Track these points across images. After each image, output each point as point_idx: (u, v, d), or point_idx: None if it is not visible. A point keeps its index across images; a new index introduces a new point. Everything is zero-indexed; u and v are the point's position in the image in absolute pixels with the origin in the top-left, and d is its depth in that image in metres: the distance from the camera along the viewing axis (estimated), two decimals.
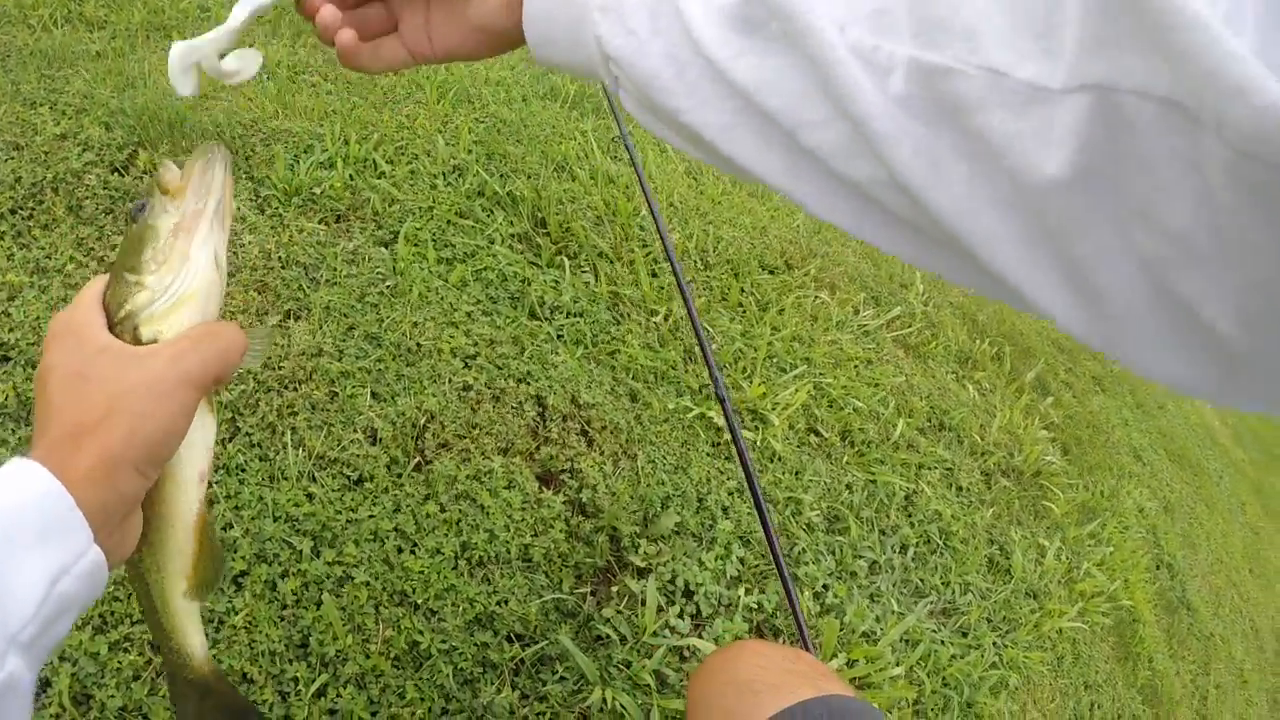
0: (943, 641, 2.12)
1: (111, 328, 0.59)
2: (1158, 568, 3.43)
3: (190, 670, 0.67)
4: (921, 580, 2.23)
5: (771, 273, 2.85)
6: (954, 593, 2.28)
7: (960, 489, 2.61)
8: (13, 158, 1.99)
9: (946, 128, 0.41)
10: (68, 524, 0.49)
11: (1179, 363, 0.40)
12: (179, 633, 0.66)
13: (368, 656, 1.41)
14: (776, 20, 0.46)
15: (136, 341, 0.58)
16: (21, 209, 1.86)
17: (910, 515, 2.36)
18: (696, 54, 0.50)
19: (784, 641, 1.82)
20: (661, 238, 1.47)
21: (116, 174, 2.02)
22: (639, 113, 0.58)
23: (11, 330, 1.60)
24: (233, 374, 0.61)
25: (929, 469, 2.56)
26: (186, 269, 0.61)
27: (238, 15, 0.65)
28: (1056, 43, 0.36)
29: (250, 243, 1.94)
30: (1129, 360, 0.42)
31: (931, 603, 2.19)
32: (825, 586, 1.98)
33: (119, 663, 1.26)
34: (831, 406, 2.48)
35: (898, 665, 1.94)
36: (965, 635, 2.21)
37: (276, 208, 2.10)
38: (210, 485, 0.79)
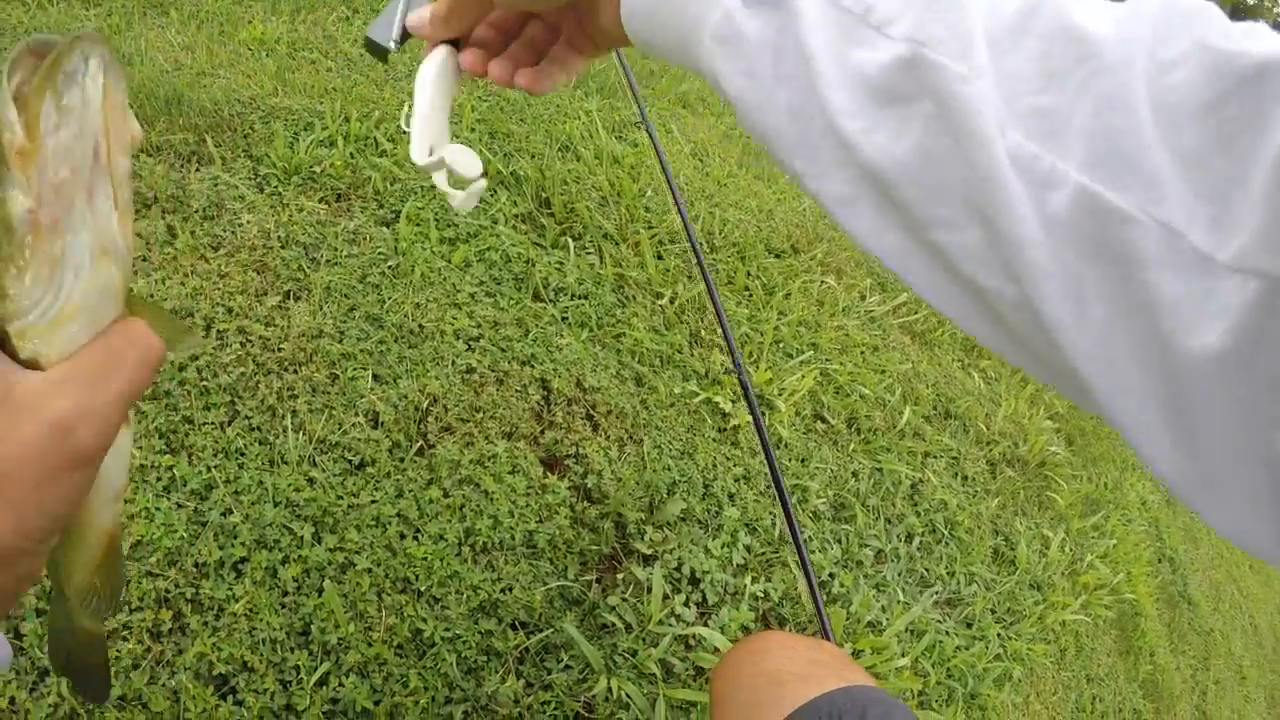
0: (948, 632, 2.09)
1: None
2: (1159, 561, 3.41)
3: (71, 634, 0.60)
4: (927, 570, 2.20)
5: (778, 256, 2.82)
6: (959, 583, 2.25)
7: (966, 478, 2.59)
8: None
9: (1106, 270, 0.37)
10: None
11: (1270, 541, 0.38)
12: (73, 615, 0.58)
13: (370, 645, 1.37)
14: (930, 99, 0.40)
15: (12, 353, 0.43)
16: None
17: (916, 504, 2.34)
18: (822, 115, 0.44)
19: (790, 630, 1.79)
20: (683, 219, 1.44)
21: None
22: (756, 140, 0.52)
23: None
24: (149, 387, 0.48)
25: (935, 457, 2.53)
26: (57, 278, 0.41)
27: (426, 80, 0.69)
28: (1230, 217, 0.34)
29: (249, 222, 1.90)
30: (1213, 524, 0.39)
31: (937, 593, 2.17)
32: (831, 575, 1.95)
33: (117, 651, 1.23)
34: (838, 393, 2.45)
35: (903, 656, 1.91)
36: (970, 626, 2.19)
37: (276, 186, 2.05)
38: (129, 500, 0.74)
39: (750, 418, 2.12)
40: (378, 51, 0.74)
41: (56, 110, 0.39)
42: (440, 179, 0.70)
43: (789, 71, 0.45)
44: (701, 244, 2.58)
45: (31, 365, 0.42)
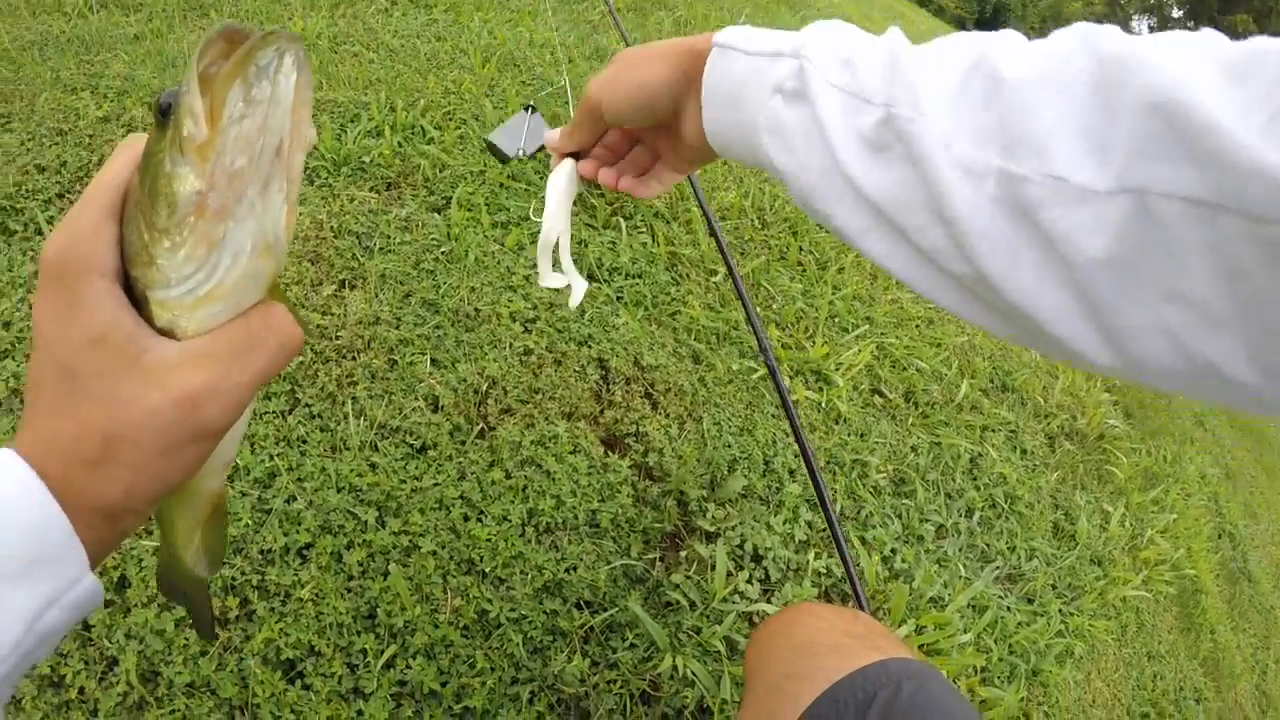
0: (1009, 608, 2.07)
1: (127, 275, 0.44)
2: (1219, 536, 3.35)
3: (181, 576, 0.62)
4: (987, 545, 2.18)
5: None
6: (1020, 558, 2.23)
7: (1024, 452, 2.55)
8: (57, 143, 1.97)
9: (1021, 224, 0.49)
10: (62, 551, 0.42)
11: (1228, 403, 0.49)
12: (183, 560, 0.60)
13: (436, 626, 1.38)
14: (900, 143, 0.54)
15: (149, 319, 0.43)
16: (69, 193, 1.84)
17: (975, 479, 2.31)
18: (837, 168, 0.58)
19: (852, 607, 1.78)
20: (701, 206, 1.42)
21: None
22: (804, 208, 0.65)
23: None
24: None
25: (993, 431, 2.50)
26: (213, 259, 0.41)
27: (554, 209, 0.86)
28: (1107, 156, 0.45)
29: (302, 214, 1.91)
30: (1184, 396, 0.53)
31: (998, 568, 2.14)
32: (893, 551, 1.93)
33: (186, 639, 1.25)
34: (894, 367, 2.42)
35: (965, 632, 1.89)
36: (1031, 602, 2.16)
37: (326, 178, 2.06)
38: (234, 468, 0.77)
39: (808, 394, 2.11)
40: (499, 155, 1.03)
41: (244, 101, 0.39)
42: (557, 280, 0.88)
43: (815, 145, 0.60)
44: (754, 219, 2.56)
45: (166, 333, 0.43)
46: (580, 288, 0.90)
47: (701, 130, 0.73)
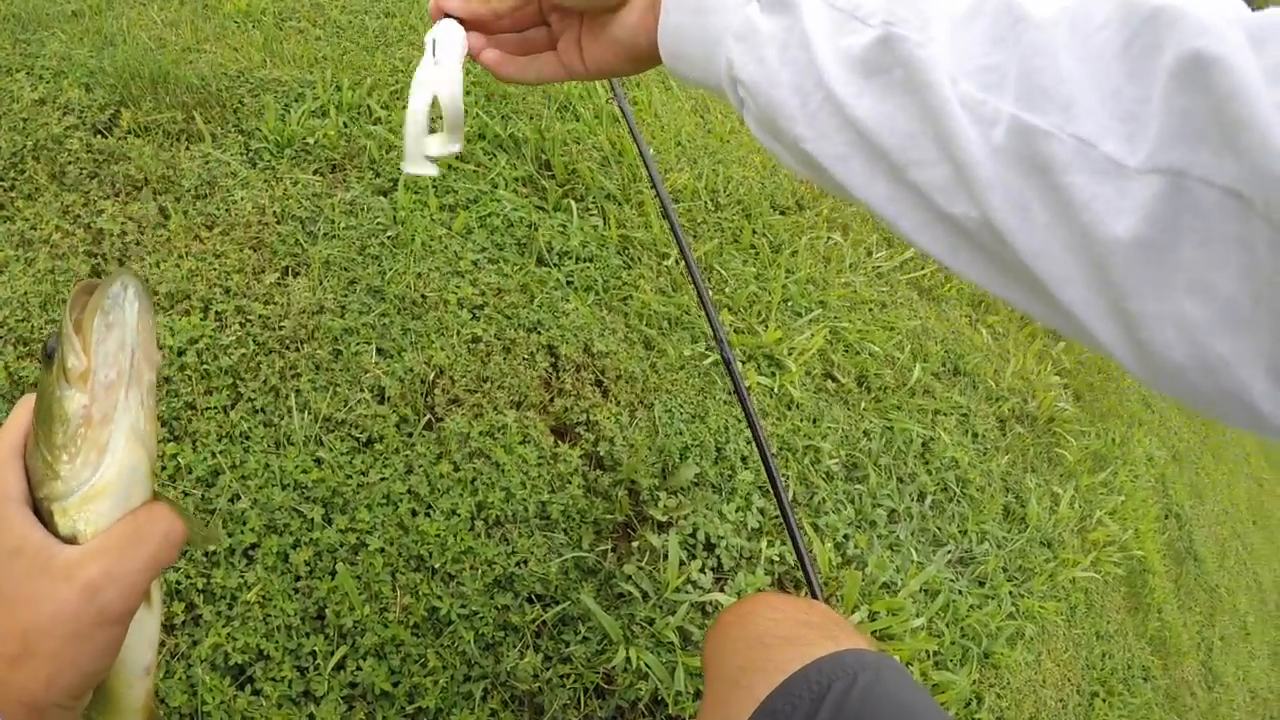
0: (960, 591, 2.08)
1: (34, 498, 0.53)
2: (1166, 517, 3.40)
3: None
4: (939, 529, 2.18)
5: (783, 213, 2.77)
6: (971, 541, 2.24)
7: (976, 435, 2.56)
8: None
9: (1036, 180, 0.46)
10: None
11: (1217, 411, 0.47)
12: None
13: (386, 626, 1.35)
14: (900, 68, 0.51)
15: (54, 531, 0.51)
16: (2, 180, 1.76)
17: (928, 463, 2.31)
18: (820, 87, 0.55)
19: (804, 594, 1.77)
20: (655, 188, 1.39)
21: (100, 135, 1.91)
22: (759, 132, 0.62)
23: None
24: (173, 563, 0.56)
25: (945, 415, 2.50)
26: (104, 460, 0.52)
27: (417, 99, 0.71)
28: (1140, 128, 0.42)
29: (243, 198, 1.85)
30: (1173, 396, 0.49)
31: (950, 552, 2.15)
32: (846, 537, 1.93)
33: None
34: (848, 351, 2.41)
35: (918, 616, 1.90)
36: (982, 585, 2.17)
37: (269, 160, 2.00)
38: (158, 672, 0.76)
39: (760, 379, 2.09)
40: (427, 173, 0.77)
41: (105, 326, 0.51)
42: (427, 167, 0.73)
43: (793, 57, 0.56)
44: (706, 201, 2.53)
45: (70, 541, 0.51)
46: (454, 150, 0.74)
47: (647, 29, 0.68)
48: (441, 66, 0.71)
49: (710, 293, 2.24)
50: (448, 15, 0.74)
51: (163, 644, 1.23)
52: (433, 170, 0.73)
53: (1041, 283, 0.48)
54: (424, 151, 0.72)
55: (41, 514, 0.52)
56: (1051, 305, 0.49)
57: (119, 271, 0.53)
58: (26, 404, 0.55)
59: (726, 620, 1.00)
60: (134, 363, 0.52)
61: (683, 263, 2.24)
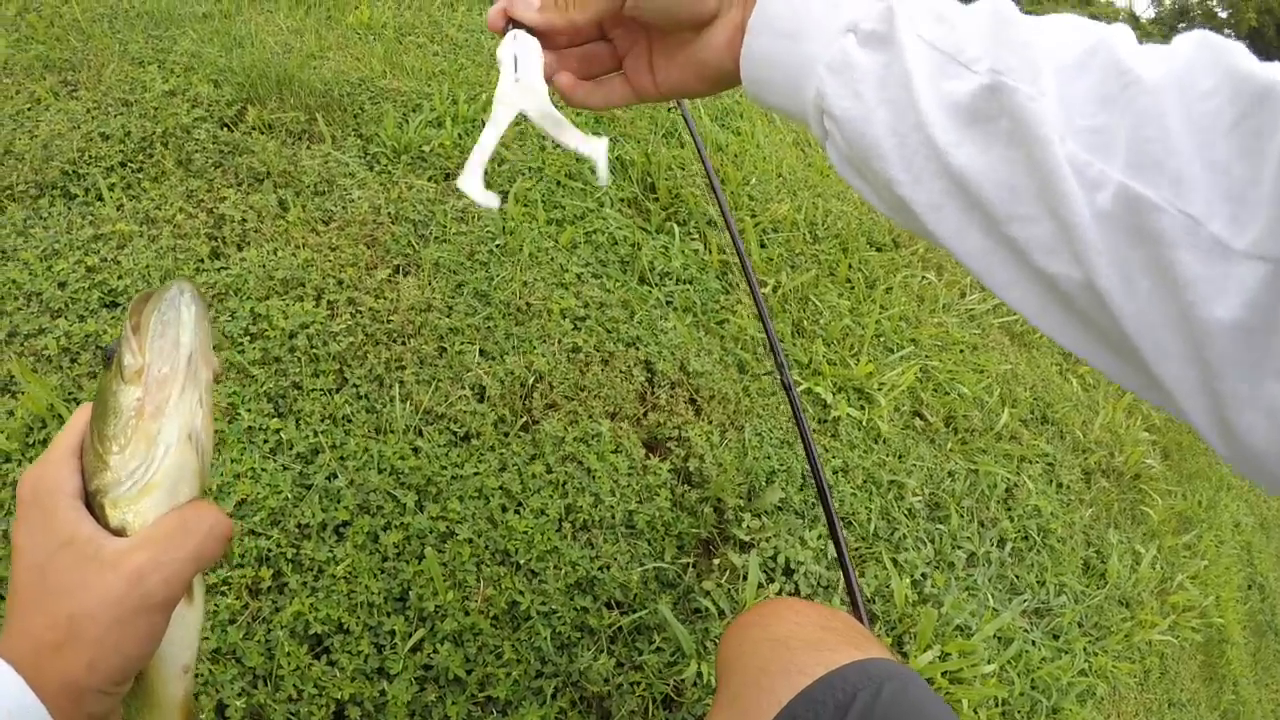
0: (1034, 642, 2.06)
1: (86, 493, 0.55)
2: (1249, 587, 3.31)
3: None
4: (1018, 577, 2.17)
5: (879, 250, 2.78)
6: (1049, 593, 2.21)
7: (1060, 485, 2.53)
8: (122, 113, 2.00)
9: (1144, 251, 0.45)
10: None
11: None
12: None
13: (467, 614, 1.39)
14: (1007, 119, 0.50)
15: (105, 524, 0.53)
16: (131, 162, 1.87)
17: (1010, 509, 2.30)
18: (918, 129, 0.53)
19: (879, 631, 1.78)
20: (721, 209, 1.42)
21: (226, 129, 2.02)
22: (843, 167, 0.60)
23: (121, 278, 1.62)
24: (218, 560, 0.57)
25: (1030, 462, 2.48)
26: (153, 453, 0.53)
27: (501, 117, 0.71)
28: (1247, 211, 0.42)
29: (360, 198, 1.93)
30: (1253, 480, 0.48)
31: (1026, 601, 2.13)
32: (924, 575, 1.93)
33: (214, 605, 1.26)
34: (937, 390, 2.41)
35: (989, 663, 1.88)
36: (1057, 638, 2.15)
37: (386, 164, 2.09)
38: (197, 674, 0.79)
39: (850, 411, 2.11)
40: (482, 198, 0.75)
41: (160, 324, 0.54)
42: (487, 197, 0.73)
43: (891, 96, 0.54)
44: (805, 233, 2.56)
45: (118, 533, 0.53)
46: (602, 151, 0.73)
47: (734, 51, 0.63)
48: (524, 82, 0.70)
49: (805, 323, 2.26)
50: (516, 25, 0.70)
51: (245, 606, 1.28)
52: (494, 201, 0.72)
53: (1136, 350, 0.48)
54: (478, 179, 0.72)
55: (94, 510, 0.54)
56: (1141, 372, 0.49)
57: (177, 279, 0.55)
58: (85, 409, 0.57)
59: (747, 620, 0.99)
60: (190, 362, 0.54)
61: (780, 291, 2.27)
